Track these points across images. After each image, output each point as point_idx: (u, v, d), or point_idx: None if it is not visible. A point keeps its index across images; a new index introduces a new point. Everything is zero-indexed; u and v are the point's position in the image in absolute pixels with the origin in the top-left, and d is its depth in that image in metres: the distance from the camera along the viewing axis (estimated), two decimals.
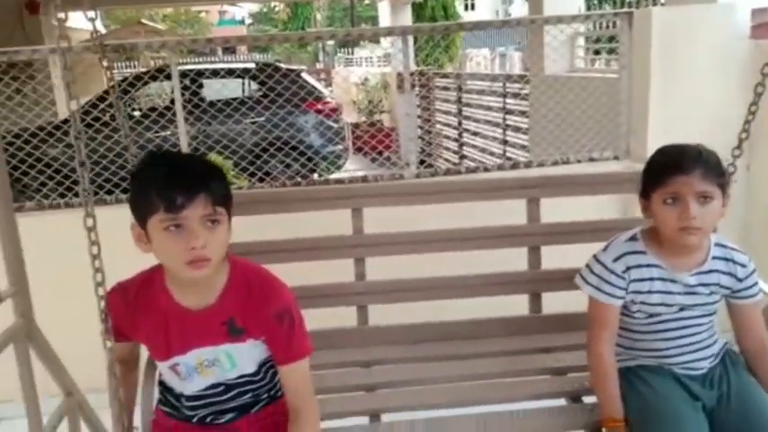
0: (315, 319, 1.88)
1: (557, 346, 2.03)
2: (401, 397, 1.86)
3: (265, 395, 1.51)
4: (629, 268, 1.60)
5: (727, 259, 1.63)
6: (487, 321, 2.14)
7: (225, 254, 1.39)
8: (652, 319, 1.64)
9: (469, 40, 15.23)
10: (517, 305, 2.16)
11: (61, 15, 1.42)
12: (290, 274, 1.65)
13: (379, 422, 1.74)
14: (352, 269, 2.10)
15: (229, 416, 1.48)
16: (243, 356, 1.44)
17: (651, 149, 3.11)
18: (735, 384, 1.62)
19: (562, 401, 1.81)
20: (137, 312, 1.43)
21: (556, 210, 2.16)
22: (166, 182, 1.28)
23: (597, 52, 4.72)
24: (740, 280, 1.63)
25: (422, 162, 7.44)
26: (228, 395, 1.47)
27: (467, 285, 2.13)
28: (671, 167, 1.51)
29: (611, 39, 4.11)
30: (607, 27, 4.22)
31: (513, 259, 2.15)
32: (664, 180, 1.51)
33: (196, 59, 10.41)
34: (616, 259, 1.61)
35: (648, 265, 1.60)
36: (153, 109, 5.95)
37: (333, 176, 3.51)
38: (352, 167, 7.22)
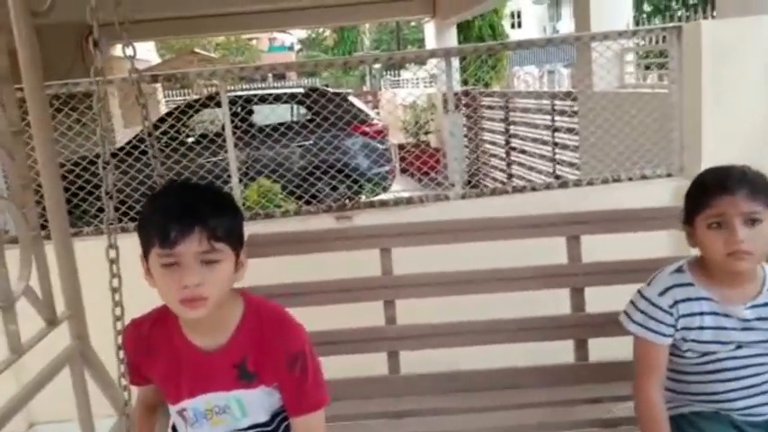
0: (341, 366, 1.83)
1: (605, 397, 1.89)
2: None
3: None
4: (676, 302, 1.48)
5: None
6: (529, 370, 2.02)
7: (234, 291, 1.33)
8: (705, 358, 1.51)
9: (517, 58, 15.16)
10: (559, 353, 2.03)
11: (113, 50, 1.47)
12: (315, 318, 1.59)
13: None
14: (379, 313, 2.00)
15: None
16: (254, 404, 1.36)
17: (705, 165, 3.05)
18: None
19: None
20: (150, 351, 1.37)
21: (601, 248, 2.01)
22: (162, 215, 1.22)
23: (648, 67, 4.62)
24: None
25: (469, 182, 7.42)
26: None
27: (505, 330, 2.02)
28: (714, 188, 1.42)
29: (661, 54, 4.03)
30: (657, 42, 4.13)
31: (555, 302, 2.02)
32: (707, 202, 1.42)
33: (247, 86, 10.68)
34: (662, 293, 1.50)
35: (698, 299, 1.48)
36: (205, 135, 6.14)
37: (378, 198, 3.53)
38: (399, 188, 7.24)
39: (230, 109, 5.55)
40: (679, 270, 1.53)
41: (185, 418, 1.38)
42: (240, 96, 6.31)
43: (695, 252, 1.55)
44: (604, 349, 2.00)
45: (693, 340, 1.50)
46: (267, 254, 1.96)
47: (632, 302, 1.55)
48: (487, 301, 1.98)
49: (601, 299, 1.98)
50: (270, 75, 16.64)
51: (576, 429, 1.83)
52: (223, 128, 3.22)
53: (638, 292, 1.55)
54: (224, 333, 1.33)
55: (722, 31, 3.02)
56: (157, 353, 1.36)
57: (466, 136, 9.13)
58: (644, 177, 3.17)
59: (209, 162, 4.64)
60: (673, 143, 3.17)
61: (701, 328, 1.48)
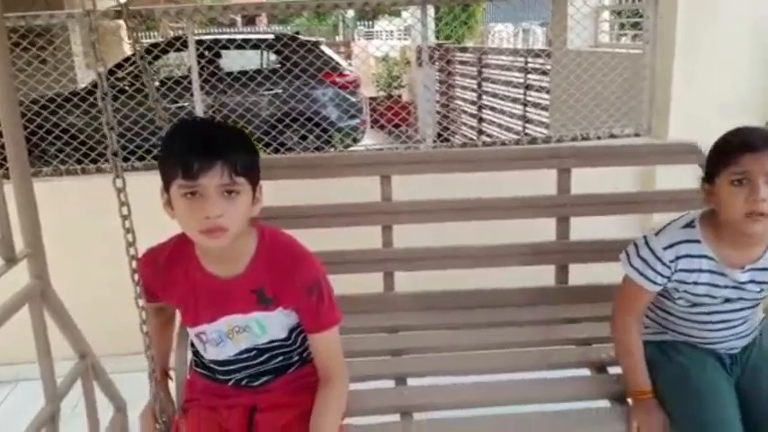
0: (341, 284, 1.88)
1: (582, 317, 2.03)
2: (426, 362, 1.88)
3: (297, 357, 1.54)
4: (678, 257, 1.52)
5: None
6: (513, 291, 2.16)
7: (249, 223, 1.39)
8: (695, 308, 1.59)
9: (492, 15, 14.96)
10: (543, 276, 2.16)
11: None
12: (317, 239, 1.67)
13: (405, 385, 1.76)
14: (378, 236, 2.11)
15: (264, 378, 1.52)
16: (273, 324, 1.46)
17: (673, 126, 3.12)
18: (756, 357, 1.62)
19: (586, 371, 1.81)
20: (167, 279, 1.45)
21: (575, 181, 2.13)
22: (185, 148, 1.28)
23: (623, 27, 4.60)
24: None
25: (440, 137, 7.38)
26: (261, 359, 1.49)
27: (494, 255, 2.15)
28: (741, 146, 1.43)
29: (637, 13, 4.01)
30: (633, 0, 4.12)
31: (539, 229, 2.14)
32: (732, 159, 1.43)
33: (215, 30, 10.36)
34: (668, 247, 1.52)
35: (700, 256, 1.52)
36: (171, 78, 5.95)
37: (349, 149, 3.49)
38: (370, 142, 7.18)
39: (197, 52, 5.38)
40: (690, 224, 1.55)
41: (203, 340, 1.47)
42: (209, 40, 6.12)
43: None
44: (583, 274, 2.14)
45: (686, 291, 1.56)
46: (272, 177, 1.98)
47: (635, 246, 1.58)
48: (480, 228, 2.09)
49: (583, 228, 2.13)
50: (239, 20, 16.15)
51: (555, 346, 1.96)
52: (189, 72, 3.12)
53: (644, 238, 1.56)
54: (240, 263, 1.40)
55: None
56: (174, 281, 1.44)
57: (438, 91, 9.06)
58: (612, 136, 3.20)
59: (175, 106, 4.51)
60: (642, 104, 3.20)
61: (696, 283, 1.53)
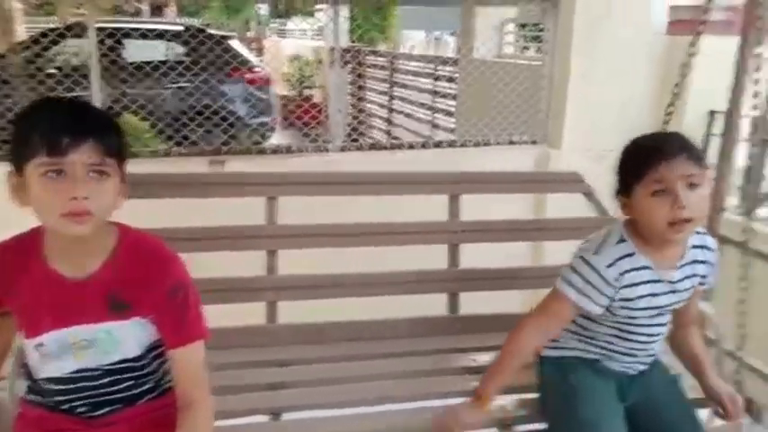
0: (219, 315, 1.76)
1: (472, 347, 1.99)
2: (305, 396, 1.78)
3: (150, 385, 1.36)
4: (621, 274, 1.47)
5: (702, 246, 1.56)
6: (404, 321, 2.08)
7: (110, 216, 1.25)
8: (626, 320, 1.54)
9: (406, 22, 15.23)
10: (434, 305, 2.12)
11: None
12: (194, 265, 1.50)
13: (280, 419, 1.68)
14: (259, 262, 1.97)
15: (107, 408, 1.32)
16: (126, 337, 1.29)
17: (567, 134, 3.30)
18: (654, 381, 1.61)
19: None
20: (10, 279, 1.26)
21: (465, 207, 2.12)
22: (53, 123, 1.15)
23: (527, 38, 4.82)
24: (713, 265, 1.58)
25: (350, 138, 7.40)
26: (104, 381, 1.30)
27: (384, 283, 2.07)
28: (654, 154, 1.40)
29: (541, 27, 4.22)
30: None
31: (430, 257, 2.10)
32: (647, 169, 1.40)
33: (120, 18, 9.90)
34: (610, 265, 1.46)
35: (640, 268, 1.48)
36: (67, 66, 5.63)
37: (257, 147, 3.44)
38: (280, 140, 7.10)
39: (100, 41, 5.12)
40: (622, 240, 1.50)
41: (42, 353, 1.28)
42: (109, 28, 5.85)
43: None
44: (475, 303, 2.11)
45: (628, 308, 1.51)
46: (142, 195, 1.85)
47: (574, 268, 1.50)
48: (368, 255, 2.02)
49: (474, 255, 2.09)
50: (147, 9, 15.51)
51: (445, 376, 1.91)
52: (88, 60, 2.98)
53: (583, 259, 1.49)
54: (94, 261, 1.25)
55: (595, 8, 3.19)
56: (17, 281, 1.25)
57: (351, 94, 9.09)
58: (511, 143, 3.34)
59: (69, 95, 4.29)
60: (540, 112, 3.36)
61: (639, 297, 1.50)
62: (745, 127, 2.63)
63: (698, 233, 1.55)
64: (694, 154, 1.42)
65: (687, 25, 2.34)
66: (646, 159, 1.42)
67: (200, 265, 1.69)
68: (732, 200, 2.76)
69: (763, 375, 2.17)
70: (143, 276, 1.26)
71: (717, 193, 2.53)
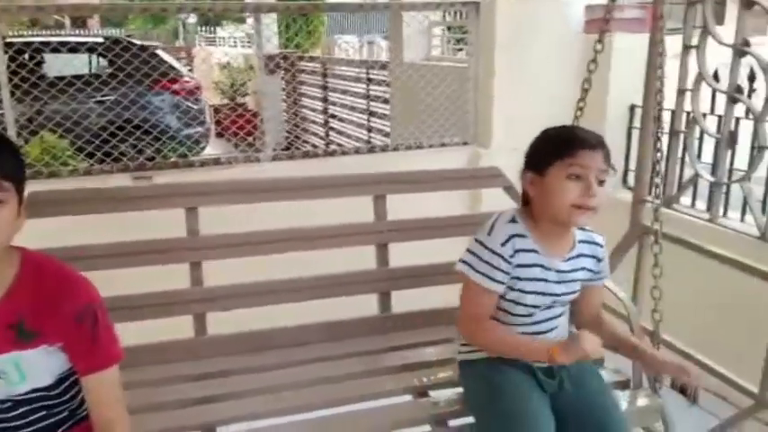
0: (146, 331, 1.79)
1: (405, 344, 2.02)
2: (237, 407, 1.74)
3: (65, 415, 1.32)
4: (516, 252, 1.54)
5: (589, 242, 1.65)
6: (334, 324, 2.07)
7: (10, 241, 1.19)
8: (522, 311, 1.60)
9: (337, 27, 15.23)
10: (363, 306, 2.12)
11: None
12: (115, 282, 1.51)
13: None
14: (182, 275, 1.93)
15: None
16: (35, 366, 1.24)
17: (496, 135, 3.35)
18: (574, 369, 1.64)
19: (408, 398, 1.82)
20: None
21: (401, 207, 2.14)
22: None
23: (455, 41, 4.89)
24: (600, 260, 1.66)
25: (288, 147, 7.34)
26: (16, 412, 1.25)
27: (314, 287, 2.05)
28: (580, 142, 1.49)
29: (461, 28, 4.29)
30: (461, 17, 4.38)
31: (357, 259, 2.10)
32: (569, 152, 1.48)
33: (40, 32, 9.52)
34: (504, 243, 1.53)
35: (529, 250, 1.55)
36: None
37: (183, 159, 3.36)
38: (214, 152, 6.97)
39: (17, 57, 4.90)
40: (513, 220, 1.57)
41: None
42: (30, 43, 5.61)
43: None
44: (405, 301, 2.13)
45: (519, 290, 1.57)
46: (54, 213, 1.79)
47: (473, 252, 1.56)
48: (294, 260, 2.00)
49: (402, 254, 2.10)
50: (68, 22, 14.95)
51: (379, 376, 1.91)
52: (10, 77, 2.84)
53: (478, 241, 1.56)
54: None
55: (515, 10, 3.26)
56: None
57: (285, 101, 9.01)
58: (443, 145, 3.38)
59: None
60: (468, 114, 3.41)
61: (529, 279, 1.56)
62: (664, 120, 2.73)
63: (584, 230, 1.65)
64: (608, 154, 1.53)
65: (602, 23, 2.41)
66: (570, 144, 1.50)
67: (122, 282, 1.69)
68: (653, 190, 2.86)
69: (681, 352, 2.26)
70: (49, 302, 1.21)
71: (638, 184, 2.62)
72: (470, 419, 1.67)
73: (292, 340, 2.02)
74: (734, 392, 2.05)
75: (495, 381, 1.59)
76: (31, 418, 1.28)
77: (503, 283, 1.55)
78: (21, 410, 1.26)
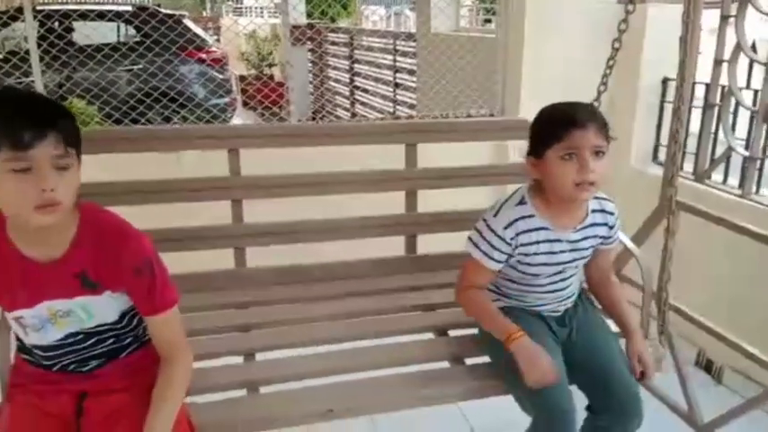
0: (189, 261, 1.91)
1: (427, 285, 2.13)
2: (275, 336, 1.86)
3: (130, 339, 1.45)
4: (518, 234, 1.61)
5: (602, 210, 1.70)
6: (363, 262, 2.20)
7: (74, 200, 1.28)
8: (531, 277, 1.68)
9: None
10: (393, 248, 2.23)
11: None
12: (162, 216, 1.63)
13: (254, 359, 1.75)
14: (227, 211, 2.07)
15: (94, 363, 1.42)
16: (101, 307, 1.37)
17: (524, 107, 3.30)
18: (582, 319, 1.76)
19: (430, 335, 1.91)
20: None
21: (434, 156, 2.22)
22: (13, 117, 1.16)
23: (488, 11, 4.79)
24: (611, 227, 1.71)
25: (313, 118, 7.32)
26: (88, 343, 1.40)
27: (346, 228, 2.17)
28: (568, 122, 1.51)
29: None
30: None
31: (388, 203, 2.20)
32: (560, 135, 1.51)
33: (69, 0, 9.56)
34: (507, 226, 1.60)
35: (537, 229, 1.62)
36: (15, 53, 5.43)
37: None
38: (240, 122, 6.98)
39: (45, 24, 4.94)
40: (521, 202, 1.63)
41: (23, 324, 1.36)
42: (57, 11, 5.64)
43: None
44: (430, 244, 2.24)
45: (527, 263, 1.65)
46: (108, 150, 1.94)
47: (478, 231, 1.64)
48: (330, 202, 2.12)
49: (430, 202, 2.22)
50: None
51: (404, 312, 2.03)
52: (39, 44, 2.87)
53: (485, 222, 1.64)
54: (59, 245, 1.30)
55: None
56: None
57: (311, 72, 8.97)
58: (469, 116, 3.33)
59: (19, 82, 4.13)
60: (496, 85, 3.35)
61: (536, 254, 1.63)
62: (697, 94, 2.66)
63: (597, 198, 1.69)
64: (602, 126, 1.54)
65: None
66: (560, 125, 1.53)
67: (169, 216, 1.83)
68: (687, 166, 2.80)
69: (688, 317, 2.23)
70: (109, 256, 1.31)
71: (668, 158, 2.56)
72: (486, 359, 1.75)
73: (325, 276, 2.15)
74: (761, 371, 2.01)
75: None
76: (101, 345, 1.42)
77: (500, 261, 1.64)
78: (91, 341, 1.40)
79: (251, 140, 2.10)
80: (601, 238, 1.71)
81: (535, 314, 1.73)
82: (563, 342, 1.72)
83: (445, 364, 1.77)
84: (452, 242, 2.03)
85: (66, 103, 4.30)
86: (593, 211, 1.68)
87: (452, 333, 1.90)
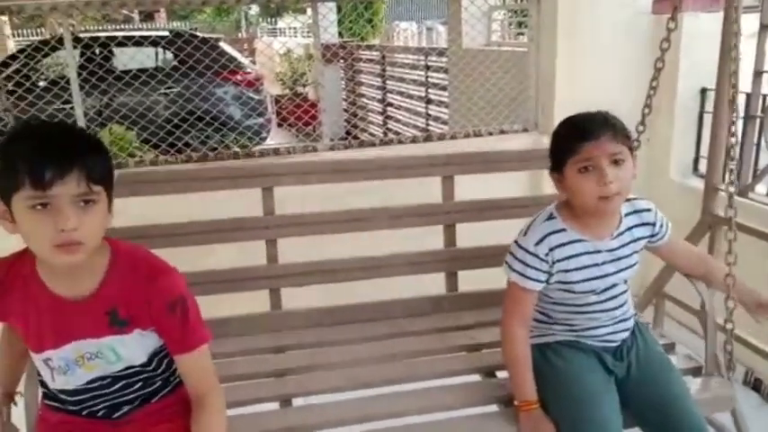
0: (222, 305, 1.85)
1: (472, 324, 2.04)
2: (313, 381, 1.80)
3: (159, 383, 1.40)
4: (551, 249, 1.56)
5: (636, 211, 1.65)
6: (403, 301, 2.12)
7: (102, 238, 1.24)
8: (575, 295, 1.62)
9: (395, 13, 15.17)
10: (431, 285, 2.14)
11: None
12: (193, 258, 1.58)
13: (290, 406, 1.69)
14: (260, 252, 2.00)
15: (126, 408, 1.37)
16: (130, 348, 1.32)
17: (558, 120, 3.24)
18: (642, 354, 1.66)
19: (477, 377, 1.83)
20: (7, 296, 1.28)
21: (466, 187, 2.15)
22: (35, 154, 1.12)
23: (520, 25, 4.77)
24: (652, 224, 1.66)
25: (347, 135, 7.37)
26: (116, 387, 1.35)
27: (383, 265, 2.09)
28: (580, 135, 1.49)
29: (523, 12, 4.18)
30: (522, 0, 4.27)
31: (424, 238, 2.12)
32: (575, 149, 1.48)
33: (110, 27, 9.88)
34: (538, 242, 1.57)
35: (571, 242, 1.58)
36: (62, 78, 5.62)
37: (243, 149, 3.42)
38: (275, 142, 7.08)
39: (86, 52, 5.08)
40: (550, 218, 1.60)
41: (51, 367, 1.32)
42: (98, 38, 5.83)
43: (549, 191, 1.65)
44: (471, 280, 2.15)
45: (571, 281, 1.59)
46: (136, 192, 1.90)
47: (511, 253, 1.61)
48: (366, 239, 2.06)
49: (469, 235, 2.12)
50: (137, 17, 15.48)
51: (444, 354, 1.94)
52: (79, 72, 2.97)
53: (516, 243, 1.61)
54: (90, 281, 1.27)
55: None
56: (15, 300, 1.28)
57: (344, 89, 9.05)
58: (502, 132, 3.30)
59: (64, 109, 4.28)
60: (529, 100, 3.32)
61: (577, 269, 1.58)
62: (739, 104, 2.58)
63: (627, 200, 1.62)
64: (618, 132, 1.50)
65: (671, 3, 2.28)
66: (573, 139, 1.50)
67: (203, 258, 1.78)
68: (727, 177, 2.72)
69: (756, 349, 2.14)
70: (141, 292, 1.28)
71: (710, 171, 2.49)
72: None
73: (362, 316, 2.08)
74: None
75: (559, 365, 1.63)
76: (129, 390, 1.37)
77: (538, 281, 1.58)
78: (119, 385, 1.35)
79: (282, 178, 2.03)
80: (643, 239, 1.65)
81: (588, 350, 1.65)
82: (621, 379, 1.63)
83: (494, 408, 1.69)
84: (493, 279, 1.94)
85: (105, 130, 4.43)
86: (627, 214, 1.63)
87: (500, 374, 1.80)
